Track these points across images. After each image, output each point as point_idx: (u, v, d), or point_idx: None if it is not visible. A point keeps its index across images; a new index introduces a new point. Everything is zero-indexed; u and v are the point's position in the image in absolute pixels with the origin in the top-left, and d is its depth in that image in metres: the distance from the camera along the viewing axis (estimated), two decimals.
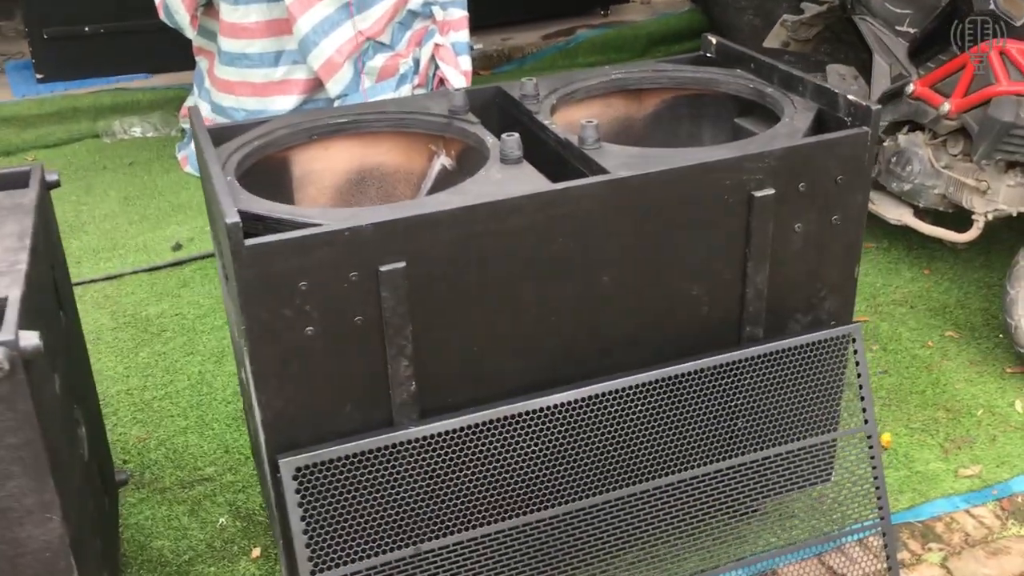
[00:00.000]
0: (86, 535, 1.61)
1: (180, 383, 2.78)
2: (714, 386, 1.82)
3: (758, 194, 1.75)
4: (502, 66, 5.41)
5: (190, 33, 3.96)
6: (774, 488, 1.96)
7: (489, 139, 1.84)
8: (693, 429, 1.84)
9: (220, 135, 1.87)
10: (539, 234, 1.63)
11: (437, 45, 3.80)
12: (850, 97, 1.85)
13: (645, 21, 5.77)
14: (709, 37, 2.27)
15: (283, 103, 3.85)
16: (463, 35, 3.86)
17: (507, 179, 1.67)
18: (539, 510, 1.76)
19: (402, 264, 1.55)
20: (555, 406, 1.72)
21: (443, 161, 2.06)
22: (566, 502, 1.77)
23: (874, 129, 1.81)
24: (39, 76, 4.83)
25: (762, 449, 1.92)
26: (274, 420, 1.59)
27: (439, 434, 1.66)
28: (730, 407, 1.86)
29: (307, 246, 1.49)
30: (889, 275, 3.25)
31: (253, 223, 1.58)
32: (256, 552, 2.18)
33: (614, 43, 5.57)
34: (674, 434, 1.82)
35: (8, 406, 1.32)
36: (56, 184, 1.86)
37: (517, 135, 1.73)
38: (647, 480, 1.83)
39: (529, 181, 1.66)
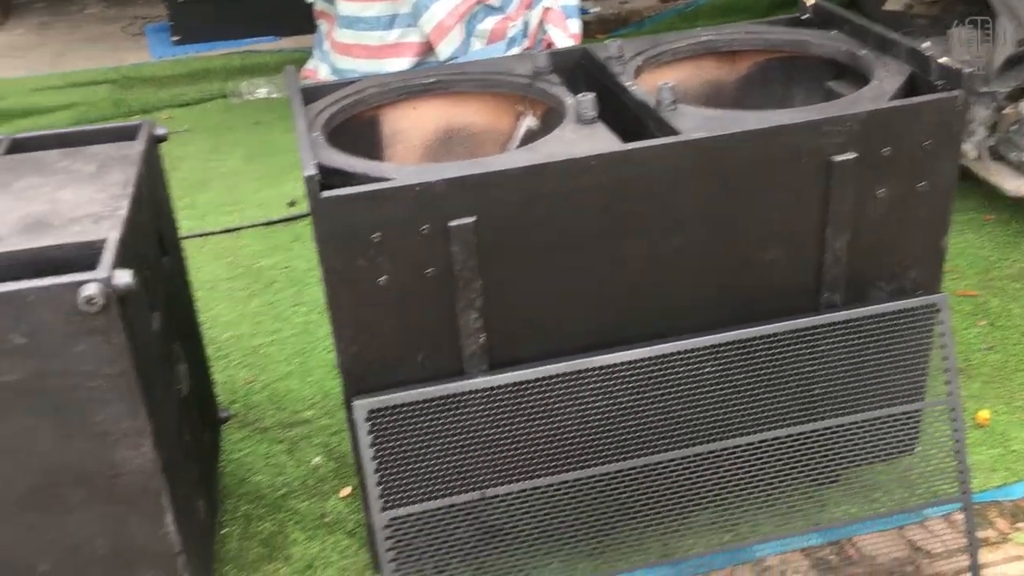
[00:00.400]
0: (180, 462, 1.74)
1: (286, 331, 2.93)
2: (789, 351, 1.82)
3: (838, 158, 1.72)
4: (619, 29, 5.37)
5: None
6: (853, 456, 1.94)
7: (568, 100, 1.86)
8: (766, 393, 1.83)
9: (312, 94, 1.96)
10: (609, 194, 1.65)
11: (546, 8, 3.83)
12: (941, 60, 1.79)
13: None
14: None
15: (397, 65, 3.95)
16: None
17: (580, 139, 1.70)
18: (605, 464, 1.80)
19: (472, 219, 1.61)
20: (623, 363, 1.75)
21: (529, 122, 2.09)
22: (632, 457, 1.80)
23: (966, 94, 1.75)
24: (175, 38, 5.10)
25: (840, 416, 1.90)
26: (350, 364, 1.68)
27: (508, 385, 1.72)
28: (806, 373, 1.84)
29: (380, 199, 1.56)
30: (1006, 248, 3.11)
31: (335, 177, 1.66)
32: (346, 491, 2.30)
33: (736, 6, 5.43)
34: (746, 397, 1.82)
35: (104, 339, 1.45)
36: (164, 138, 1.99)
37: (592, 95, 1.75)
38: (718, 440, 1.84)
39: (601, 141, 1.69)
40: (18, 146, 1.92)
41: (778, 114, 1.76)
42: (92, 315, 1.42)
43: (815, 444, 1.91)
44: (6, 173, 1.78)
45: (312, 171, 1.53)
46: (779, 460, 1.90)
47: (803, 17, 2.23)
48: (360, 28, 3.97)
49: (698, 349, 1.77)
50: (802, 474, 1.92)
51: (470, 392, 1.71)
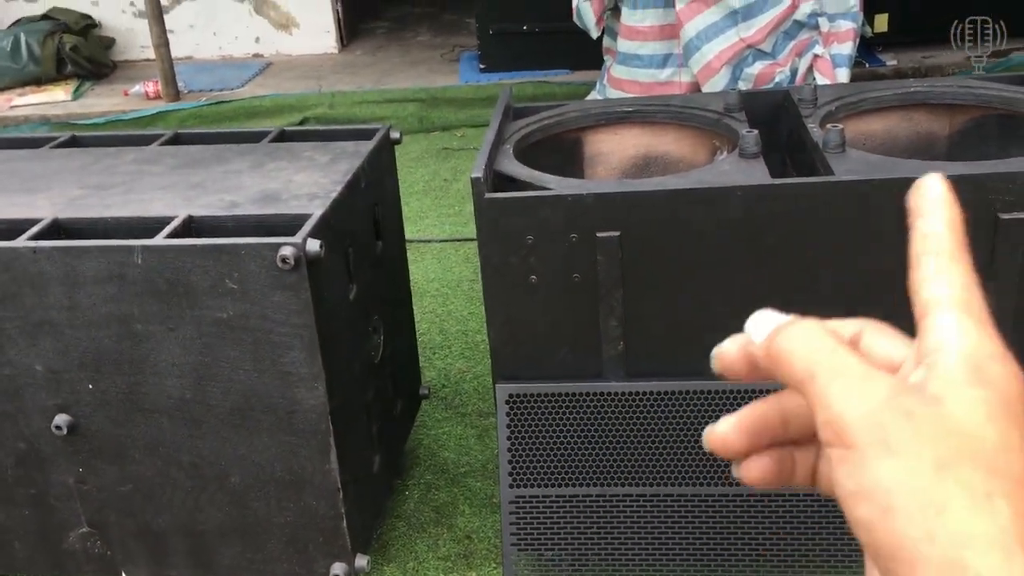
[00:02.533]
0: (356, 413, 2.03)
1: None
2: None
3: (1005, 216, 1.68)
4: None
5: (595, 33, 4.38)
6: None
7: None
8: None
9: (520, 112, 2.19)
10: (751, 225, 1.73)
11: (816, 56, 3.82)
12: None
13: None
14: None
15: None
16: (847, 47, 3.83)
17: (734, 170, 1.79)
18: (727, 486, 1.86)
19: (617, 233, 1.75)
20: (752, 392, 1.80)
21: (723, 156, 2.19)
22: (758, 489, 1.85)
23: None
24: (482, 66, 5.61)
25: None
26: (498, 351, 1.88)
27: (639, 393, 1.84)
28: None
29: (534, 206, 1.75)
30: None
31: (508, 183, 1.88)
32: None
33: None
34: None
35: (294, 293, 1.76)
36: (398, 141, 2.31)
37: (755, 132, 1.83)
38: None
39: (752, 175, 1.77)
40: (284, 136, 2.33)
41: (946, 165, 1.74)
42: (286, 272, 1.74)
43: None
44: (264, 156, 2.18)
45: (479, 174, 1.75)
46: None
47: None
48: (634, 65, 4.19)
49: None
50: None
51: (603, 394, 1.85)
